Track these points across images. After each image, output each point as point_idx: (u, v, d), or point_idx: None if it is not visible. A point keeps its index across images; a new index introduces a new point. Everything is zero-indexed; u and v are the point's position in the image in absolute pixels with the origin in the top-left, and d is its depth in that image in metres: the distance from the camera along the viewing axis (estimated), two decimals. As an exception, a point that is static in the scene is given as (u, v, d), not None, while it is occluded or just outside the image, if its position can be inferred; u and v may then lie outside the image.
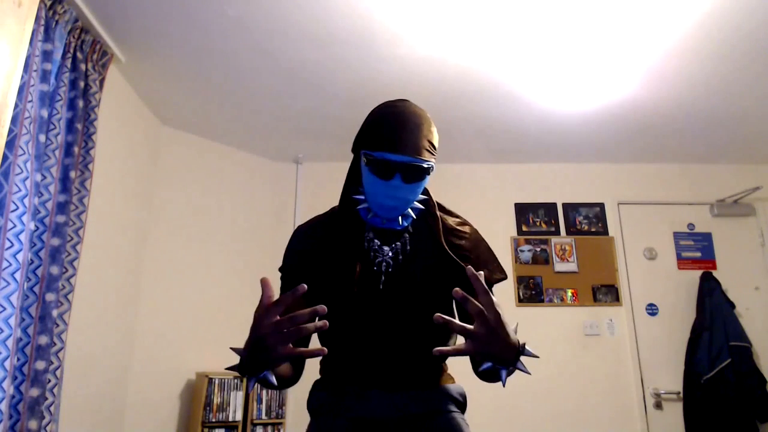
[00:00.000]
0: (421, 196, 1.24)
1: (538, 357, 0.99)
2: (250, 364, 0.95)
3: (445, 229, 1.25)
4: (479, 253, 1.26)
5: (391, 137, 1.11)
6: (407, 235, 1.23)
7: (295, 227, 1.37)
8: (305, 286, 0.86)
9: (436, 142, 1.17)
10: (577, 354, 3.55)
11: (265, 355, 0.91)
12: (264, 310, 0.90)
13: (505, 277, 1.27)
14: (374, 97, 3.10)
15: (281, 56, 2.70)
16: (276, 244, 3.75)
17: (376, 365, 1.20)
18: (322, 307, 0.87)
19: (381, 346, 1.19)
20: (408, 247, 1.22)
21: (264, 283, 0.91)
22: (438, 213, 1.27)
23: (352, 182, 1.24)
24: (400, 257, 1.21)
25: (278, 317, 0.89)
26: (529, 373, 0.98)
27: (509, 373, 0.98)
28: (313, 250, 1.25)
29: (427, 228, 1.25)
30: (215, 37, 2.55)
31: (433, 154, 1.16)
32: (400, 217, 1.21)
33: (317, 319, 1.01)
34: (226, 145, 3.74)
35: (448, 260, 1.21)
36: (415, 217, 1.23)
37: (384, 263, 1.20)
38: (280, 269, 1.30)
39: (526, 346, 0.98)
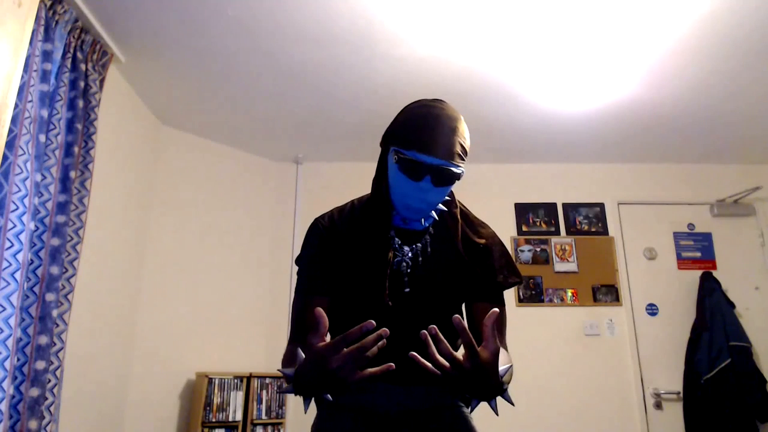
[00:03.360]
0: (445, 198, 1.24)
1: (513, 405, 1.00)
2: (317, 391, 0.94)
3: (464, 233, 1.25)
4: (495, 257, 1.25)
5: (424, 138, 1.08)
6: (428, 237, 1.23)
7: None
8: (373, 323, 0.84)
9: (468, 148, 1.15)
10: (577, 354, 3.55)
11: (339, 385, 0.90)
12: (331, 347, 0.88)
13: (520, 281, 1.26)
14: (375, 98, 3.11)
15: (281, 56, 2.70)
16: (276, 244, 3.76)
17: (388, 361, 1.20)
18: (371, 322, 0.84)
19: (394, 343, 1.20)
20: (429, 249, 1.22)
21: (319, 315, 0.90)
22: (458, 216, 1.26)
23: (382, 178, 1.21)
24: (420, 259, 1.21)
25: (345, 350, 0.88)
26: (513, 404, 1.00)
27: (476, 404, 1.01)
28: (336, 244, 1.23)
29: (446, 230, 1.24)
30: (215, 37, 2.55)
31: (464, 161, 1.14)
32: (422, 218, 1.21)
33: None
34: (227, 145, 3.74)
35: (464, 265, 1.21)
36: (437, 218, 1.23)
37: (403, 263, 1.20)
38: (299, 261, 1.27)
39: (507, 392, 0.98)
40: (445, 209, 1.24)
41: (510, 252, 1.31)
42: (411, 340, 1.20)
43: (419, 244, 1.22)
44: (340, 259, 1.21)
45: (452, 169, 1.10)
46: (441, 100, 1.18)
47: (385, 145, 1.20)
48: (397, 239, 1.22)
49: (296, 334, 1.20)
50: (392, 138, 1.15)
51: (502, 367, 0.96)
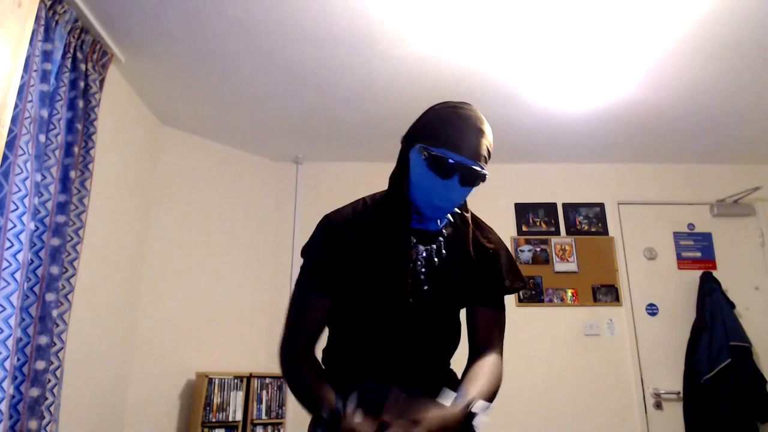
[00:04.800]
0: None
1: (486, 424, 1.03)
2: None
3: (474, 237, 1.26)
4: (502, 262, 1.27)
5: (455, 137, 1.10)
6: (441, 239, 1.23)
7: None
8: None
9: (492, 152, 1.17)
10: (577, 354, 3.55)
11: None
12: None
13: (524, 286, 1.29)
14: (375, 98, 3.11)
15: (281, 56, 2.70)
16: (276, 244, 3.76)
17: (389, 361, 1.21)
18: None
19: (399, 343, 1.20)
20: (443, 251, 1.22)
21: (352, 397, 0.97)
22: (470, 220, 1.27)
23: (402, 175, 1.20)
24: (435, 260, 1.21)
25: None
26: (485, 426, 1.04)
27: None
28: (350, 245, 1.19)
29: (458, 233, 1.25)
30: (215, 38, 2.55)
31: (487, 163, 1.16)
32: (438, 219, 1.21)
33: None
34: (226, 145, 3.74)
35: (473, 268, 1.23)
36: (451, 220, 1.25)
37: (419, 262, 1.20)
38: (306, 253, 1.24)
39: (478, 415, 1.01)
40: (458, 212, 1.26)
41: (510, 247, 1.32)
42: (421, 339, 1.20)
43: (434, 245, 1.22)
44: (353, 259, 1.19)
45: (478, 171, 1.12)
46: (468, 103, 1.19)
47: (408, 143, 1.19)
48: (412, 238, 1.21)
49: (293, 332, 1.20)
50: (420, 136, 1.16)
51: (462, 403, 1.01)
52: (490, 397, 1.10)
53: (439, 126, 1.13)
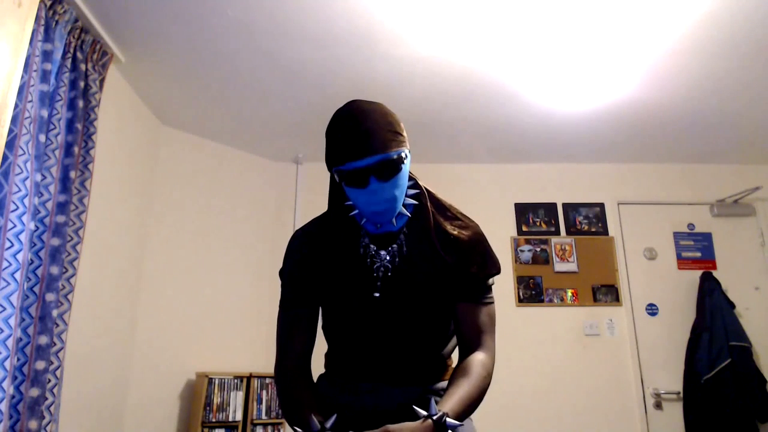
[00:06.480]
0: (412, 191, 1.23)
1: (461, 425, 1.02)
2: None
3: (438, 226, 1.23)
4: (469, 248, 1.22)
5: (348, 145, 1.09)
6: (403, 236, 1.22)
7: (294, 230, 1.37)
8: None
9: (399, 128, 1.14)
10: (577, 354, 3.55)
11: None
12: None
13: (495, 272, 1.23)
14: (375, 98, 3.08)
15: (281, 56, 2.70)
16: (276, 243, 3.76)
17: (377, 363, 1.22)
18: None
19: (382, 346, 1.21)
20: (404, 249, 1.21)
21: None
22: (430, 209, 1.24)
23: (337, 196, 1.25)
24: (397, 260, 1.20)
25: None
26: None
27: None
28: (312, 255, 1.25)
29: (421, 226, 1.23)
30: (215, 38, 2.55)
31: (402, 141, 1.13)
32: (394, 219, 1.20)
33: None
34: (227, 145, 3.74)
35: (440, 259, 1.20)
36: (409, 215, 1.22)
37: (383, 268, 1.20)
38: (281, 274, 1.30)
39: (448, 420, 1.00)
40: (416, 202, 1.23)
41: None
42: (401, 339, 1.20)
43: (395, 246, 1.21)
44: (317, 269, 1.23)
45: (389, 158, 1.09)
46: (352, 101, 1.18)
47: (330, 169, 1.21)
48: (372, 246, 1.21)
49: (281, 353, 1.24)
50: (328, 162, 1.18)
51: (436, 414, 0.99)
52: (471, 404, 1.09)
53: (332, 144, 1.14)
